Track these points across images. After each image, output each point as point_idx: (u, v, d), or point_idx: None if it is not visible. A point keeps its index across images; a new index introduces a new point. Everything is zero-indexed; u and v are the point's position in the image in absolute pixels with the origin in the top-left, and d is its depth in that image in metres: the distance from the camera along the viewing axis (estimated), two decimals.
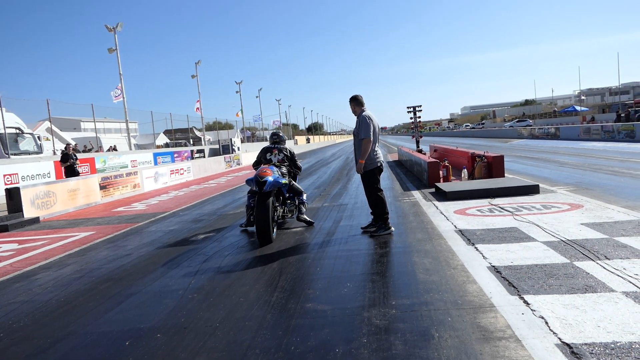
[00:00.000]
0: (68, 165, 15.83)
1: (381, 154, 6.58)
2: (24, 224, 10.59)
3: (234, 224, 8.48)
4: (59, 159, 16.45)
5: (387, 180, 13.67)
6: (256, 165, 7.90)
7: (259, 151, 8.31)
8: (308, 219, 7.78)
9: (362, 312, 3.74)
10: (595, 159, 16.01)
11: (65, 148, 16.82)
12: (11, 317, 4.43)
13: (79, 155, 19.38)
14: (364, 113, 6.45)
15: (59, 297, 4.95)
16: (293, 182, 7.77)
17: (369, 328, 3.42)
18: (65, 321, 4.21)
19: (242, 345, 3.34)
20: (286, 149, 7.96)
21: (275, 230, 6.90)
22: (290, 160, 7.91)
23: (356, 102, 6.59)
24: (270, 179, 6.61)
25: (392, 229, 6.51)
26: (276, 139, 8.06)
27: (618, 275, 4.01)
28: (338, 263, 5.29)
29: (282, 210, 7.49)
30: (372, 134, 6.32)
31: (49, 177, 17.55)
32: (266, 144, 8.79)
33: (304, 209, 7.82)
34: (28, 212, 11.20)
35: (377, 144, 6.53)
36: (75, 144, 17.27)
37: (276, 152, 7.87)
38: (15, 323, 4.27)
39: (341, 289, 4.40)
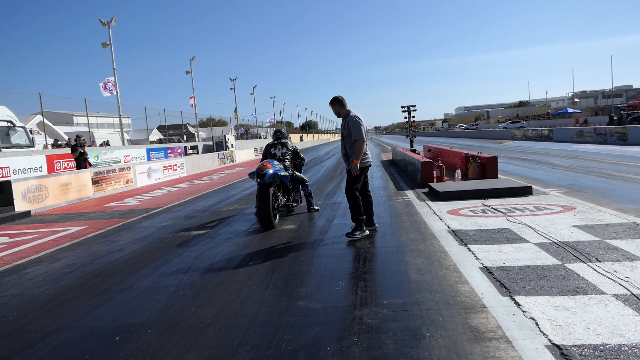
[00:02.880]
0: (77, 157, 16.22)
1: (370, 154, 6.50)
2: (14, 218, 10.51)
3: (227, 221, 8.46)
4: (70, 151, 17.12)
5: (380, 180, 13.69)
6: (263, 160, 8.44)
7: (252, 148, 8.71)
8: (316, 207, 8.79)
9: (354, 310, 3.75)
10: (588, 162, 16.11)
11: (75, 139, 16.99)
12: (0, 311, 4.40)
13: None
14: (352, 113, 6.27)
15: (49, 292, 4.92)
16: (296, 173, 8.41)
17: (360, 327, 3.42)
18: (55, 315, 4.19)
19: (233, 342, 3.34)
20: (288, 143, 8.62)
21: (278, 217, 7.69)
22: (294, 153, 8.56)
23: (340, 104, 6.38)
24: (270, 171, 7.28)
25: (367, 232, 6.42)
26: (279, 135, 8.76)
27: (609, 278, 4.04)
28: (330, 261, 5.29)
29: (285, 199, 8.16)
30: (364, 134, 6.24)
31: (41, 171, 17.43)
32: (260, 141, 9.23)
33: (312, 201, 8.73)
34: (19, 206, 11.12)
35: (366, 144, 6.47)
36: (83, 137, 17.42)
37: (279, 147, 8.48)
38: (5, 317, 4.24)
39: (333, 287, 4.40)
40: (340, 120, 6.53)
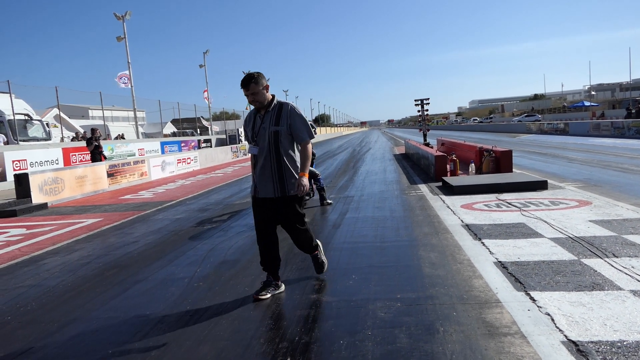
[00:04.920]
0: (92, 150, 16.49)
1: None
2: (32, 210, 10.66)
3: (240, 214, 8.50)
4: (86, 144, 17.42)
5: (394, 173, 13.65)
6: None
7: None
8: (329, 200, 8.88)
9: (367, 304, 3.74)
10: (605, 156, 15.87)
11: (91, 133, 17.24)
12: (19, 301, 4.47)
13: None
14: (287, 102, 4.20)
15: (66, 282, 4.99)
16: None
17: (374, 321, 3.41)
18: (71, 306, 4.24)
19: (246, 335, 3.35)
20: None
21: None
22: None
23: (261, 84, 4.01)
24: None
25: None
26: None
27: (626, 274, 3.98)
28: (343, 255, 5.29)
29: None
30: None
31: (57, 163, 17.66)
32: None
33: (325, 195, 8.85)
34: (36, 198, 11.28)
35: None
36: (98, 130, 17.68)
37: None
38: (23, 307, 4.31)
39: (346, 281, 4.40)
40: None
